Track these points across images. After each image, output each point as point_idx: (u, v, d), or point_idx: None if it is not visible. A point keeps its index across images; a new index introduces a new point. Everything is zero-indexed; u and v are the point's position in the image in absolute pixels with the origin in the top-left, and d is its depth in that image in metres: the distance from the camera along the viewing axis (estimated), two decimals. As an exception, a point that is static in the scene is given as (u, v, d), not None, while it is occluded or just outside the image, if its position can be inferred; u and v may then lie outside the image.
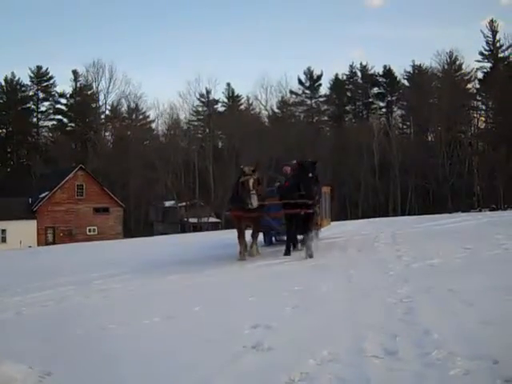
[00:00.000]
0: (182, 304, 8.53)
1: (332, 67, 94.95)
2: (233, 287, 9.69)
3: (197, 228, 57.91)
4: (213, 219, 62.52)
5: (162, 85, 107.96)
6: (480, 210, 51.02)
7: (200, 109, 72.54)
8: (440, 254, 11.08)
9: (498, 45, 65.70)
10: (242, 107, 75.48)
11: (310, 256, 12.40)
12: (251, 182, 12.24)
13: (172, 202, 64.71)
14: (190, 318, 7.55)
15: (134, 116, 74.89)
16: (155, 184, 64.22)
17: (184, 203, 63.32)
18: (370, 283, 8.80)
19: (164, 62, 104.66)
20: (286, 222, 13.77)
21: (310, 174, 12.54)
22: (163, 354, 5.89)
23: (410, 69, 69.27)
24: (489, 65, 66.43)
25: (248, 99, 73.78)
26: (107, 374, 5.40)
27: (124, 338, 6.70)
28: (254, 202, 12.11)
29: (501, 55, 65.94)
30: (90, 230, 56.58)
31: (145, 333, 6.89)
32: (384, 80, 72.24)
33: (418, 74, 68.69)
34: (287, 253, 13.31)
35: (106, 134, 76.75)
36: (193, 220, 61.65)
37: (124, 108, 75.06)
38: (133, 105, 74.12)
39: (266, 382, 4.79)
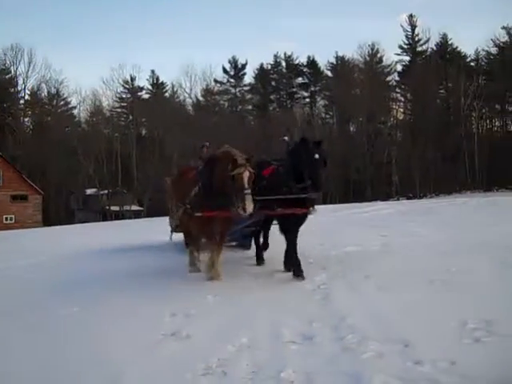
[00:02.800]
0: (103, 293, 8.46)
1: (257, 56, 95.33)
2: (154, 275, 9.65)
3: (119, 216, 57.08)
4: (135, 207, 61.81)
5: (85, 71, 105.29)
6: (398, 199, 52.64)
7: (124, 96, 71.31)
8: (357, 242, 11.41)
9: (416, 39, 67.66)
10: (167, 95, 74.66)
11: (300, 276, 8.36)
12: (246, 176, 7.83)
13: (94, 190, 63.50)
14: (107, 306, 7.50)
15: (54, 102, 72.77)
16: (77, 171, 62.81)
17: (106, 191, 62.28)
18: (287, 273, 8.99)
19: (87, 47, 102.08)
20: (263, 222, 9.74)
21: (317, 156, 8.22)
22: (77, 343, 5.88)
23: (333, 60, 70.27)
24: (408, 58, 68.37)
25: (173, 87, 73.10)
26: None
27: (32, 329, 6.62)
28: (250, 205, 7.74)
29: (419, 49, 67.98)
30: (6, 219, 54.75)
31: (62, 322, 6.82)
32: (308, 70, 73.04)
33: (341, 65, 69.87)
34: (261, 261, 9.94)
35: (26, 119, 74.34)
36: (115, 208, 60.74)
37: (44, 93, 72.82)
38: (54, 90, 72.06)
39: (184, 370, 4.86)
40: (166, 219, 13.60)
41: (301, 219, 8.79)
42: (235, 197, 7.81)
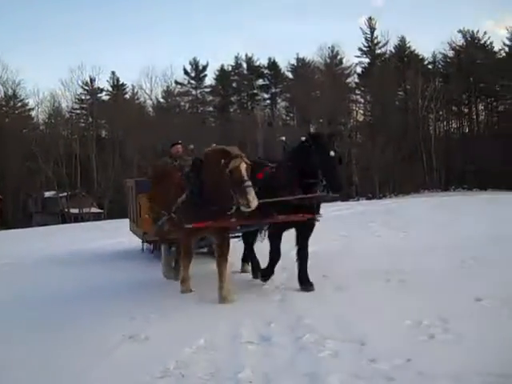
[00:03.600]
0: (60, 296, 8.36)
1: (218, 58, 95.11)
2: (114, 278, 9.57)
3: (78, 219, 56.36)
4: (95, 209, 61.07)
5: (43, 72, 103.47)
6: (358, 199, 53.17)
7: (83, 97, 70.38)
8: (316, 242, 11.47)
9: (375, 42, 68.41)
10: (127, 96, 73.96)
11: (309, 288, 7.51)
12: (244, 168, 6.84)
13: (52, 193, 62.53)
14: (65, 308, 7.43)
15: (11, 103, 71.47)
16: (35, 174, 61.79)
17: (65, 193, 61.41)
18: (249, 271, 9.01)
19: (45, 48, 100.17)
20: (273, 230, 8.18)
21: (333, 153, 7.17)
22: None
23: (294, 61, 70.57)
24: (367, 60, 69.07)
25: (133, 88, 72.42)
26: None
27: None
28: (254, 200, 6.65)
29: (378, 51, 68.74)
30: (-37, 223, 53.55)
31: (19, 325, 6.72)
32: (269, 72, 73.12)
33: (302, 66, 70.19)
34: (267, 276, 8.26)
35: (-19, 121, 72.79)
36: (74, 210, 59.93)
37: (1, 95, 71.50)
38: (10, 91, 70.78)
39: (142, 372, 4.84)
40: (126, 221, 13.39)
41: (311, 226, 7.88)
42: (235, 193, 6.76)
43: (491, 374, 4.34)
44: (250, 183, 6.74)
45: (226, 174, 6.80)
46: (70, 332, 6.29)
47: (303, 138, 7.68)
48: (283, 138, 9.05)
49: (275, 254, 7.96)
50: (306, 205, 7.51)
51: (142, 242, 11.64)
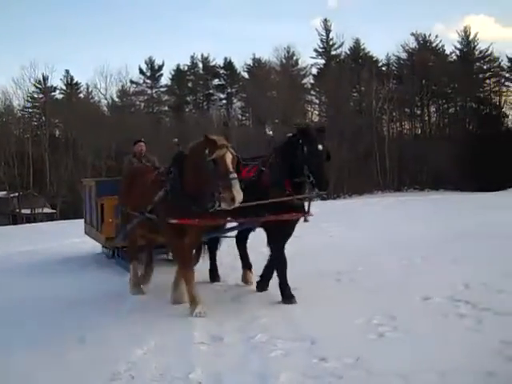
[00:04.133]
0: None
1: (173, 57, 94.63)
2: (66, 282, 9.44)
3: (30, 219, 55.32)
4: (47, 210, 60.02)
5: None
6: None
7: (36, 95, 69.12)
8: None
9: (330, 43, 69.04)
10: (81, 95, 72.97)
11: (293, 299, 6.87)
12: (229, 158, 6.21)
13: (3, 193, 61.22)
14: (17, 309, 7.32)
15: (-40, 101, 69.77)
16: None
17: (16, 194, 60.20)
18: (201, 271, 9.00)
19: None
20: (275, 235, 7.28)
21: (320, 147, 6.74)
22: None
23: (250, 62, 70.69)
24: (322, 61, 69.65)
25: (87, 87, 71.46)
26: None
27: None
28: (239, 194, 5.98)
29: (333, 53, 69.38)
30: None
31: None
32: (224, 72, 73.10)
33: (258, 67, 70.34)
34: (263, 287, 7.49)
35: None
36: (26, 211, 58.81)
37: (-51, 92, 69.75)
38: (-41, 89, 69.09)
39: (92, 374, 4.81)
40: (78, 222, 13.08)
41: (292, 227, 7.41)
42: (218, 187, 6.06)
43: (438, 371, 4.44)
44: (235, 176, 6.08)
45: (209, 165, 6.15)
46: (20, 333, 6.19)
47: (290, 134, 7.31)
48: (270, 133, 7.77)
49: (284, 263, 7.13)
50: (298, 204, 7.10)
51: (103, 247, 11.16)
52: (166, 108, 74.07)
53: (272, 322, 5.88)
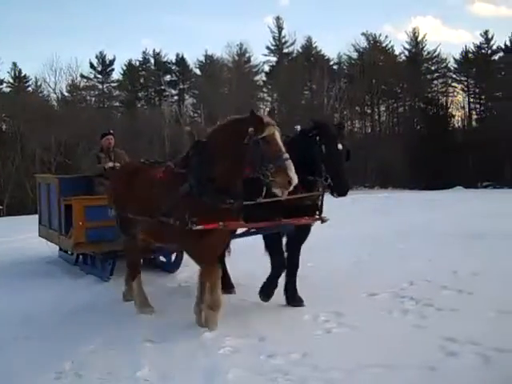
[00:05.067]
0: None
1: (125, 52, 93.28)
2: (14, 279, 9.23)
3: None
4: (-6, 206, 58.74)
5: None
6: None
7: (-19, 88, 67.37)
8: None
9: (283, 41, 69.34)
10: (30, 89, 71.45)
11: (299, 303, 6.53)
12: (279, 137, 5.43)
13: None
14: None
15: None
16: None
17: (-39, 189, 58.64)
18: (154, 270, 8.98)
19: None
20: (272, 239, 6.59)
21: (340, 146, 6.15)
22: None
23: (202, 58, 70.46)
24: (275, 59, 69.90)
25: (36, 81, 69.95)
26: None
27: None
28: (295, 175, 5.20)
29: (285, 51, 69.69)
30: None
31: None
32: (177, 68, 72.67)
33: (210, 63, 70.18)
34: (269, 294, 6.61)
35: None
36: (-30, 208, 57.38)
37: None
38: None
39: (36, 372, 4.76)
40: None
41: (306, 231, 6.72)
42: (267, 170, 5.20)
43: (382, 366, 4.55)
44: (288, 156, 5.27)
45: (255, 146, 5.27)
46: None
47: (298, 127, 6.78)
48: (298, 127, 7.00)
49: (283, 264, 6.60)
50: (310, 205, 6.45)
51: (60, 251, 10.32)
52: (118, 103, 73.23)
53: (220, 320, 5.88)
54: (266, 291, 6.53)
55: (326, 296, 6.56)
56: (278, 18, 69.82)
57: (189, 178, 5.67)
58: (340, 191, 6.07)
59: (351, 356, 4.81)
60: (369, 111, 65.26)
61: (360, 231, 12.42)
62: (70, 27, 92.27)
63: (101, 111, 67.53)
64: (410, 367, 4.53)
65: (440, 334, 5.24)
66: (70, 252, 9.78)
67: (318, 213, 6.56)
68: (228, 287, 7.12)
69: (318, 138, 6.09)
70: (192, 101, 72.28)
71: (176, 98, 72.79)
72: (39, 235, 10.72)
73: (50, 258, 10.49)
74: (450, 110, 52.74)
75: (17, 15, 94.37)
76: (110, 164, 8.90)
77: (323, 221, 6.52)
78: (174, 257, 9.08)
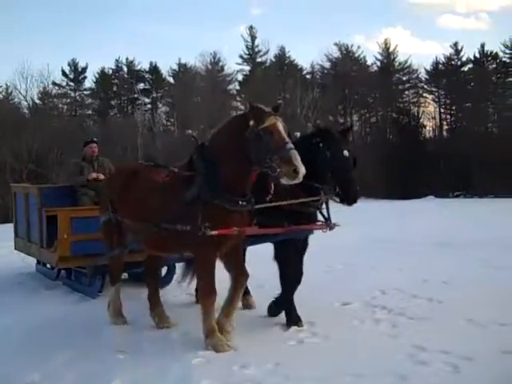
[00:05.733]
0: None
1: (98, 60, 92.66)
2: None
3: None
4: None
5: None
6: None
7: (-50, 95, 66.39)
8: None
9: (256, 50, 69.62)
10: (0, 96, 70.61)
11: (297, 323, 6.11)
12: (282, 126, 5.26)
13: None
14: None
15: None
16: None
17: None
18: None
19: None
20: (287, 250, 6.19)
21: (346, 152, 5.87)
22: None
23: (175, 67, 70.39)
24: (248, 68, 70.13)
25: (7, 88, 69.13)
26: None
27: None
28: (301, 164, 4.99)
29: (259, 60, 69.95)
30: None
31: None
32: (150, 76, 72.47)
33: (184, 72, 70.14)
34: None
35: None
36: None
37: None
38: None
39: (6, 384, 4.71)
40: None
41: (307, 240, 6.47)
42: (272, 162, 4.98)
43: (354, 375, 4.61)
44: (293, 145, 5.08)
45: (258, 138, 5.08)
46: None
47: (298, 134, 6.52)
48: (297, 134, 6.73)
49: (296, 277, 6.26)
50: (313, 212, 6.21)
51: (37, 264, 9.76)
52: (90, 111, 72.74)
53: (194, 330, 5.86)
54: (278, 311, 6.28)
55: (298, 305, 6.54)
56: (251, 27, 70.03)
57: (196, 182, 5.42)
58: (349, 200, 5.86)
59: (323, 365, 4.86)
60: (341, 120, 65.73)
61: (332, 241, 12.45)
62: (42, 33, 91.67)
63: (73, 119, 67.08)
64: (382, 375, 4.58)
65: (411, 342, 5.31)
66: (49, 266, 9.19)
67: (325, 219, 6.28)
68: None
69: (321, 144, 5.84)
70: (165, 109, 72.13)
71: (149, 106, 72.66)
72: (15, 248, 10.10)
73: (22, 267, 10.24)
74: (421, 120, 53.36)
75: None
76: (94, 175, 8.51)
77: (331, 228, 6.25)
78: (164, 272, 8.35)
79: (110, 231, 6.49)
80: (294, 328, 5.94)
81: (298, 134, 6.61)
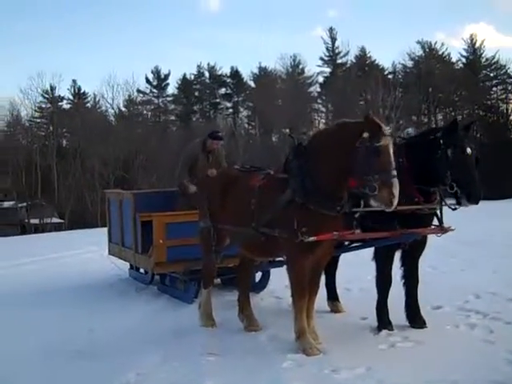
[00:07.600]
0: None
1: (180, 67, 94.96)
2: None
3: (39, 229, 55.40)
4: (56, 220, 60.11)
5: (1, 80, 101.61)
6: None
7: (43, 105, 69.42)
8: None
9: (336, 51, 69.22)
10: (89, 105, 73.27)
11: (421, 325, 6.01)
12: (392, 150, 5.01)
13: (11, 203, 61.43)
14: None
15: (-32, 111, 70.09)
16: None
17: (25, 203, 60.36)
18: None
19: (3, 55, 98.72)
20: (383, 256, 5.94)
21: (469, 150, 5.49)
22: None
23: (256, 71, 70.91)
24: (328, 70, 69.81)
25: (95, 97, 71.70)
26: None
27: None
28: (397, 195, 4.84)
29: (339, 61, 69.56)
30: None
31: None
32: (231, 81, 73.30)
33: (264, 76, 70.49)
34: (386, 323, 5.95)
35: None
36: (34, 221, 58.93)
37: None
38: (-33, 99, 69.48)
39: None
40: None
41: (425, 242, 6.06)
42: (372, 182, 4.80)
43: (448, 381, 4.45)
44: (396, 173, 4.87)
45: (367, 153, 4.86)
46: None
47: (410, 130, 5.63)
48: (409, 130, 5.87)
49: (387, 282, 5.99)
50: (426, 214, 5.87)
51: (130, 269, 9.90)
52: (173, 117, 74.30)
53: (282, 333, 5.83)
54: (385, 319, 5.97)
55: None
56: (330, 29, 69.79)
57: (290, 184, 5.30)
58: (471, 200, 5.49)
59: (416, 371, 4.70)
60: (425, 120, 64.28)
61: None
62: (126, 44, 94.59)
63: (157, 125, 68.73)
64: (478, 382, 4.41)
65: (509, 348, 5.08)
66: (142, 271, 9.31)
67: (439, 223, 5.97)
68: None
69: (441, 141, 5.50)
70: (246, 113, 72.86)
71: (231, 110, 73.53)
72: (109, 253, 10.24)
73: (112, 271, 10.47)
74: (510, 118, 51.40)
75: (75, 33, 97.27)
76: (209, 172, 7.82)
77: (446, 231, 5.95)
78: (259, 277, 8.34)
79: (208, 237, 6.47)
80: (384, 332, 5.80)
81: (411, 129, 6.11)
